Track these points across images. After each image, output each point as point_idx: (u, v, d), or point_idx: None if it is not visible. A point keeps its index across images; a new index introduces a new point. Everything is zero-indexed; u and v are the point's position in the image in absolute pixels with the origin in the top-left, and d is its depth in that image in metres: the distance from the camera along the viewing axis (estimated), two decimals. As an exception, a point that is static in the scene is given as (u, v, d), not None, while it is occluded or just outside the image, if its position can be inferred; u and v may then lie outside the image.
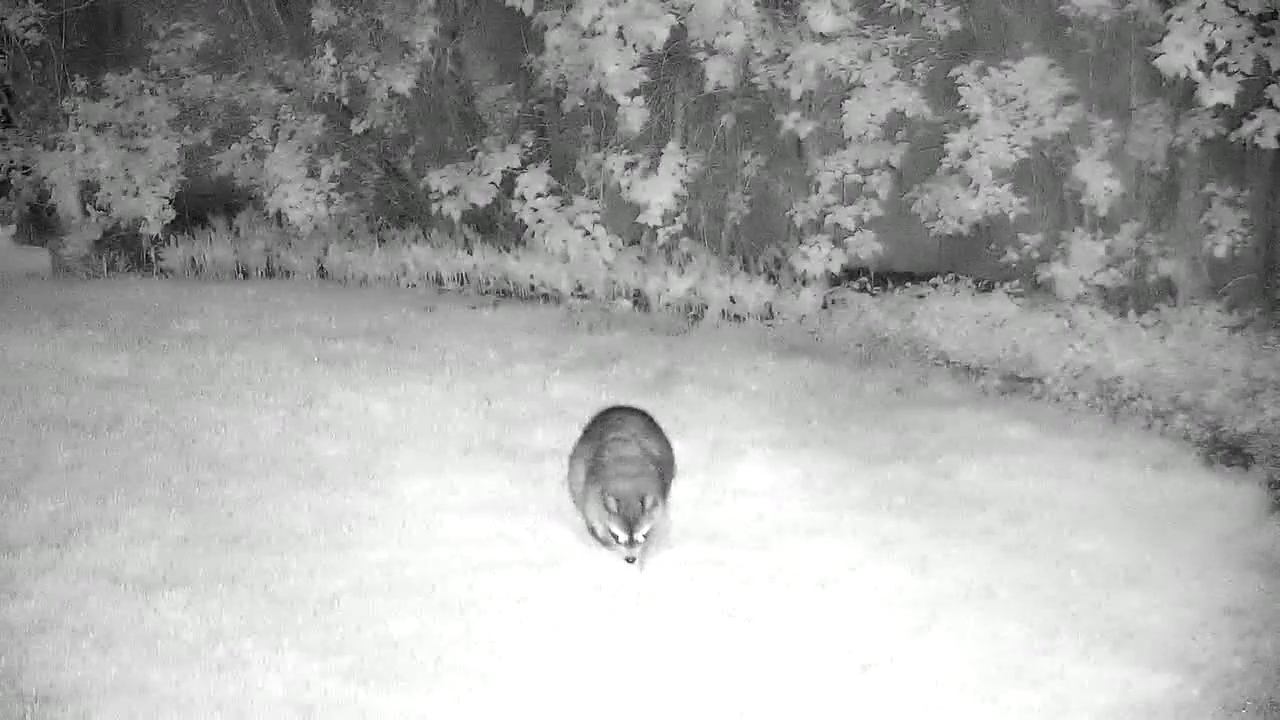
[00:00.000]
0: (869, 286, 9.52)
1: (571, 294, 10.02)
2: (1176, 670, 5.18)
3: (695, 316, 9.63)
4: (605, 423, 6.12)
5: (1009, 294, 9.00)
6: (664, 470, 5.99)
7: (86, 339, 8.73)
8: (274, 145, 10.39)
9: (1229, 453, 7.21)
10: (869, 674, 5.18)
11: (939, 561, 6.00)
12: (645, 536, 5.68)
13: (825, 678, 5.15)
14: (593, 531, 5.93)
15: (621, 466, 5.79)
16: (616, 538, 5.67)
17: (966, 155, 8.86)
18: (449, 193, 9.87)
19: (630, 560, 5.69)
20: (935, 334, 8.79)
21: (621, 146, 9.64)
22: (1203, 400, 7.64)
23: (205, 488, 6.56)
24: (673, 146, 9.49)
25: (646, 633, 5.41)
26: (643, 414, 6.25)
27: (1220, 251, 8.59)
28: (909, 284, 9.41)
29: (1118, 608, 5.63)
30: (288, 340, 8.76)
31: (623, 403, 6.60)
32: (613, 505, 5.63)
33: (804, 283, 9.50)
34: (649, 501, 5.65)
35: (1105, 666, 5.21)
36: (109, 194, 10.46)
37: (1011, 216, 8.96)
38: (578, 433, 7.13)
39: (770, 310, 9.57)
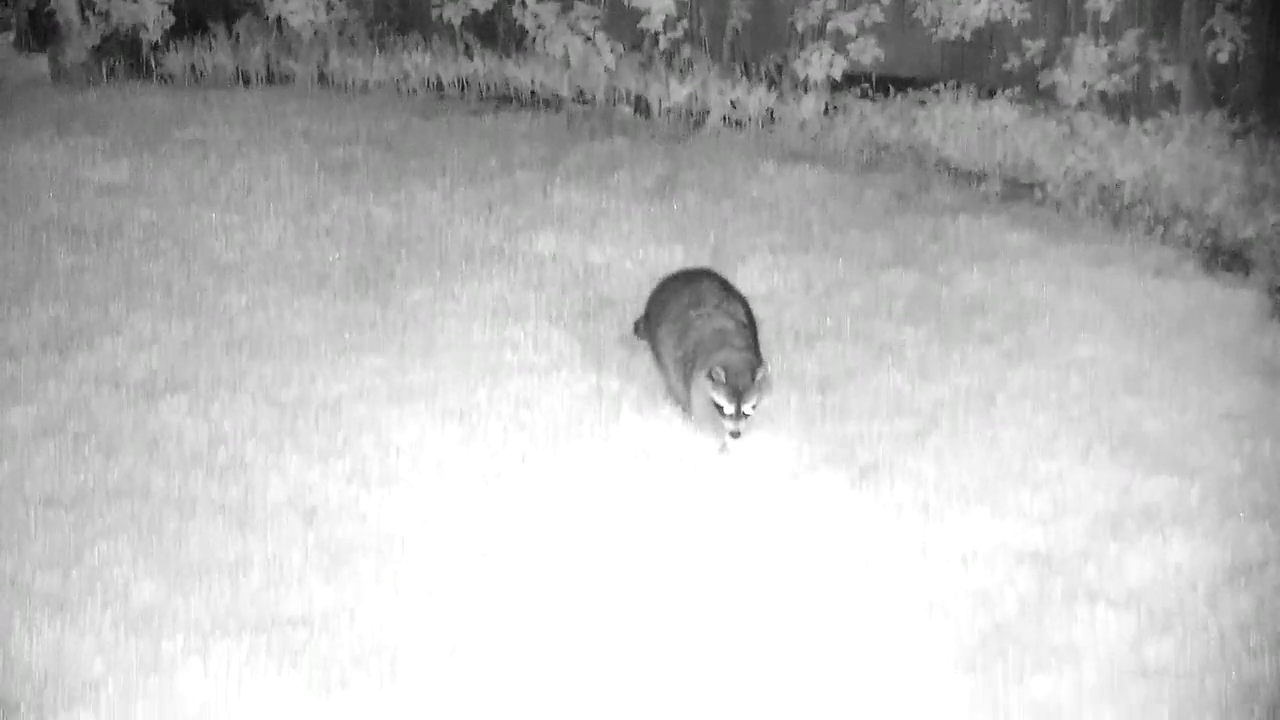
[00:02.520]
0: (870, 93, 9.28)
1: (572, 100, 9.79)
2: (1175, 474, 5.10)
3: (696, 123, 9.41)
4: (679, 300, 5.56)
5: (1011, 100, 8.78)
6: (753, 332, 5.50)
7: (87, 146, 8.52)
8: (272, -51, 10.06)
9: (1229, 258, 7.05)
10: (868, 478, 5.11)
11: (939, 367, 5.89)
12: (754, 409, 5.20)
13: (825, 482, 5.08)
14: (686, 407, 5.45)
15: (723, 338, 5.30)
16: (722, 410, 5.16)
17: (970, -42, 8.60)
18: (449, -2, 9.58)
19: (735, 435, 5.19)
20: (936, 140, 8.58)
21: (622, -50, 9.34)
22: (1204, 206, 7.48)
23: (207, 293, 6.43)
24: (674, -50, 9.18)
25: (644, 435, 5.33)
26: (711, 275, 5.76)
27: (1223, 58, 8.36)
28: (910, 90, 9.17)
29: (1117, 412, 5.54)
30: (288, 147, 8.56)
31: (685, 267, 6.09)
32: (720, 375, 5.13)
33: (805, 89, 9.26)
34: (759, 374, 5.17)
35: (1104, 470, 5.14)
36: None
37: (1014, 22, 8.71)
38: (580, 241, 7.08)
39: (771, 116, 9.34)
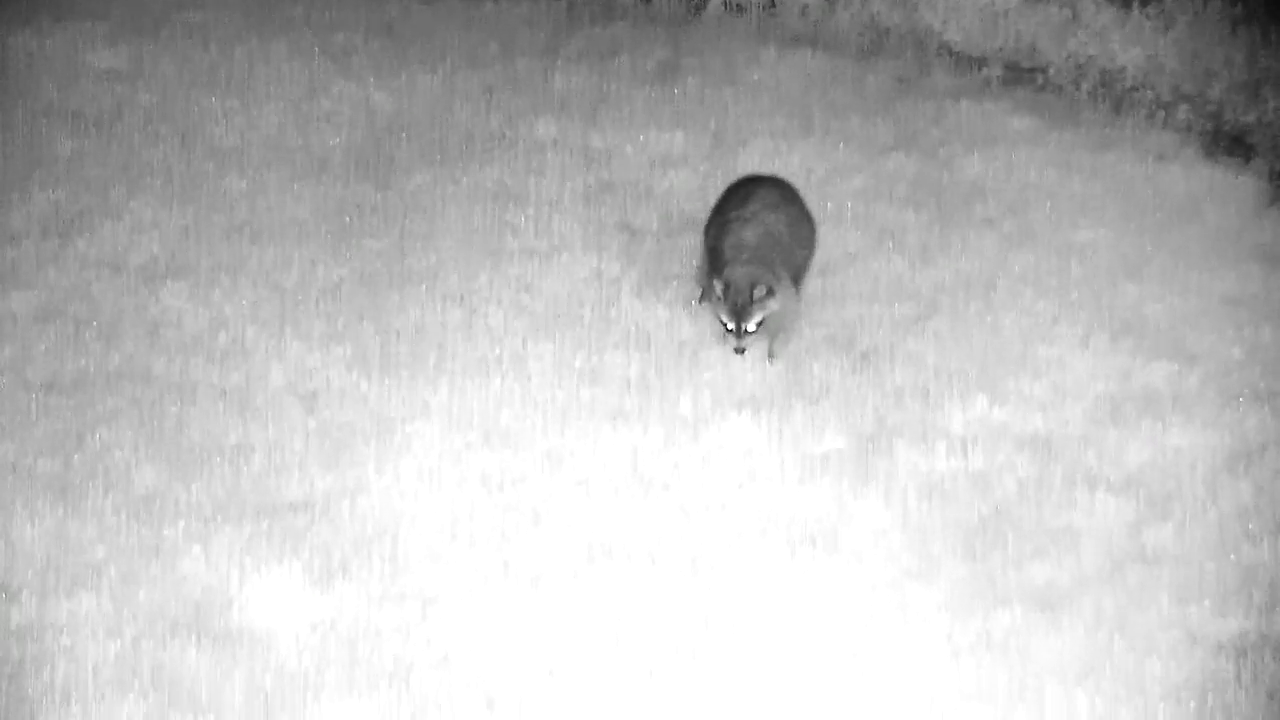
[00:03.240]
0: (871, -23, 9.10)
1: (573, -15, 9.60)
2: (1175, 359, 5.03)
3: (697, 7, 9.23)
4: (731, 201, 5.37)
5: (1013, -15, 8.61)
6: (789, 249, 5.26)
7: (87, 31, 8.31)
8: None
9: (1230, 144, 6.91)
10: (869, 361, 5.05)
11: (939, 252, 5.79)
12: (757, 327, 5.01)
13: (826, 365, 5.02)
14: (705, 295, 5.34)
15: (739, 252, 5.10)
16: (725, 326, 5.03)
17: None
18: (448, -119, 9.34)
19: (739, 351, 5.03)
20: (938, 25, 8.40)
21: None
22: (1205, 91, 7.32)
23: (207, 179, 6.30)
24: None
25: (644, 320, 5.27)
26: (777, 184, 5.52)
27: (1226, -59, 8.17)
28: (912, -26, 8.99)
29: (1117, 298, 5.45)
30: (288, 32, 8.36)
31: (759, 172, 5.84)
32: (719, 290, 4.99)
33: (806, -27, 9.07)
34: (759, 292, 4.97)
35: (1104, 355, 5.07)
36: (105, -117, 9.96)
37: (1018, -96, 8.50)
38: (581, 126, 6.95)
39: (772, 1, 9.15)
